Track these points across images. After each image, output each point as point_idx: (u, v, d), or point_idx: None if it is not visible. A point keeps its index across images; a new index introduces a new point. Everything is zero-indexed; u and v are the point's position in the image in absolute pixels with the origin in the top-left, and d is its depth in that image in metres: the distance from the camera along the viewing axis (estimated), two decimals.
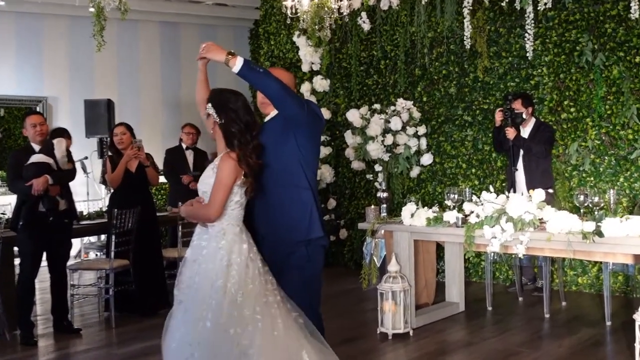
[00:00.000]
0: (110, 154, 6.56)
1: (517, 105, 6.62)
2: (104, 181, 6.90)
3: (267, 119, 3.61)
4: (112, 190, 6.66)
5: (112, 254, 6.12)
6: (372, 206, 6.36)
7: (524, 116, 6.61)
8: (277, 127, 3.46)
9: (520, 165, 6.64)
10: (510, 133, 6.56)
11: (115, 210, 6.19)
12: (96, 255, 8.58)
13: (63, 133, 6.49)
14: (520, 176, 6.64)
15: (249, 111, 3.34)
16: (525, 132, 6.67)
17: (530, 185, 6.31)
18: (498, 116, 6.73)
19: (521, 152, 6.62)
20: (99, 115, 9.26)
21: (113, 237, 6.12)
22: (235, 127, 3.29)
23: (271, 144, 3.44)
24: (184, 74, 11.18)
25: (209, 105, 3.33)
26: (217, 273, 3.16)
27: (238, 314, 3.10)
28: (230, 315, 3.09)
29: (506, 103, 6.61)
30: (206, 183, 3.31)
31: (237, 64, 3.26)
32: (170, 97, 11.05)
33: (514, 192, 6.53)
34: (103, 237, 8.63)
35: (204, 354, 3.04)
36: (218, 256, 3.21)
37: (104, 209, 7.43)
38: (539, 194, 4.82)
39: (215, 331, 3.06)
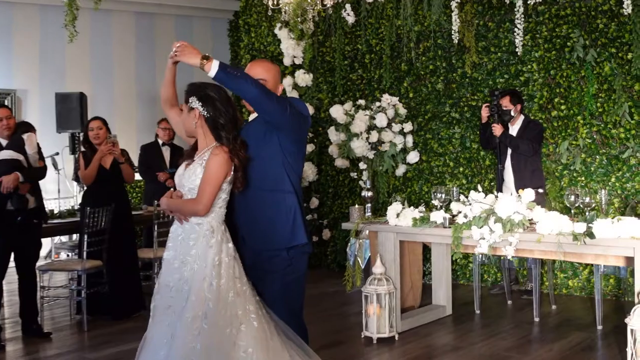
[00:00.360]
0: (83, 149, 6.51)
1: (505, 102, 6.65)
2: (76, 178, 6.85)
3: (250, 117, 3.59)
4: (85, 188, 6.61)
5: (85, 254, 6.07)
6: (357, 206, 6.37)
7: (512, 113, 6.65)
8: (259, 129, 3.43)
9: (508, 163, 6.67)
10: (497, 130, 6.59)
11: (88, 208, 6.14)
12: (67, 255, 8.51)
13: (28, 128, 6.44)
14: (508, 175, 6.68)
15: (232, 104, 3.35)
16: (514, 129, 6.70)
17: (520, 185, 6.35)
18: (484, 112, 6.76)
19: (509, 150, 6.66)
20: (71, 109, 9.21)
21: (85, 236, 6.07)
22: (223, 120, 3.30)
23: (253, 145, 3.43)
24: (160, 67, 11.14)
25: (193, 98, 3.32)
26: (210, 273, 3.15)
27: (232, 313, 3.12)
28: (225, 315, 3.10)
29: (493, 98, 6.64)
30: (192, 179, 3.29)
31: (213, 68, 3.19)
32: (146, 90, 11.00)
33: (502, 191, 6.58)
34: (75, 236, 8.58)
35: (203, 356, 3.03)
36: (210, 255, 3.20)
37: (76, 207, 7.38)
38: (529, 193, 4.84)
39: (214, 333, 3.06)
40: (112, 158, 6.45)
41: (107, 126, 6.51)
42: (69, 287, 6.74)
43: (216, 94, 3.32)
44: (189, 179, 3.31)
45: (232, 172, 3.30)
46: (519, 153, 6.57)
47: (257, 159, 3.41)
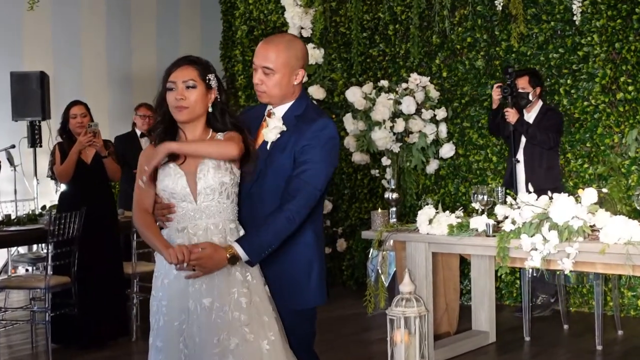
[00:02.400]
0: (60, 140, 6.58)
1: (523, 83, 6.71)
2: (52, 175, 6.92)
3: (270, 126, 3.59)
4: (61, 187, 6.68)
5: (49, 268, 6.14)
6: (379, 210, 6.41)
7: (530, 97, 6.70)
8: (283, 145, 3.46)
9: (520, 156, 6.74)
10: (511, 115, 6.65)
11: (51, 212, 6.21)
12: (27, 270, 8.59)
13: None
14: (519, 172, 6.74)
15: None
16: (530, 117, 6.77)
17: (532, 183, 6.36)
18: (495, 93, 6.81)
19: (522, 141, 6.71)
20: (30, 92, 9.26)
21: (50, 246, 6.14)
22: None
23: (274, 160, 3.46)
24: (136, 41, 11.20)
25: (212, 76, 3.36)
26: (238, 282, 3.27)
27: (259, 323, 3.26)
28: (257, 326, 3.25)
29: (506, 77, 6.70)
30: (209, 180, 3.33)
31: (244, 258, 3.27)
32: (120, 69, 11.06)
33: (515, 189, 6.64)
34: (35, 247, 8.65)
35: None
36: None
37: (38, 211, 7.44)
38: (590, 194, 4.87)
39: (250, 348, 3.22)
40: (93, 151, 6.53)
41: (90, 112, 6.59)
42: (30, 309, 6.81)
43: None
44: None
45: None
46: (535, 144, 6.62)
47: (273, 174, 3.45)
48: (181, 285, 3.24)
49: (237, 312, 3.21)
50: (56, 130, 6.84)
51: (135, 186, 3.35)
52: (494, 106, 6.91)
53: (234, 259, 3.21)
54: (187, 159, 3.30)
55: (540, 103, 6.86)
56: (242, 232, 3.35)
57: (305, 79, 3.67)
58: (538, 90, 6.81)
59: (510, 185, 6.77)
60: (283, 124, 3.43)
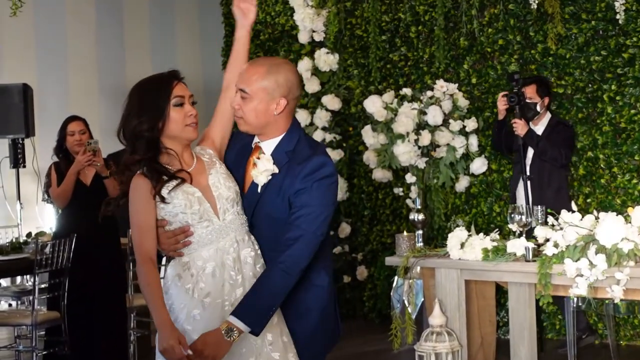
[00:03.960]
0: (56, 159, 6.63)
1: (530, 92, 6.74)
2: (48, 197, 6.97)
3: (259, 148, 3.62)
4: (59, 211, 6.71)
5: (36, 302, 6.16)
6: (405, 233, 6.42)
7: (537, 108, 6.72)
8: (276, 188, 3.53)
9: (528, 172, 6.74)
10: (520, 127, 6.66)
11: (37, 240, 6.25)
12: (10, 305, 8.62)
13: None
14: (524, 190, 6.71)
15: None
16: (538, 130, 6.79)
17: (541, 204, 6.35)
18: (501, 103, 6.82)
19: (528, 156, 6.71)
20: (11, 106, 9.28)
21: (37, 278, 6.17)
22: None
23: (266, 204, 3.55)
24: (129, 49, 11.25)
25: None
26: None
27: None
28: None
29: (513, 85, 6.71)
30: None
31: (246, 330, 3.32)
32: (111, 80, 11.09)
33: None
34: (19, 279, 8.67)
35: None
36: None
37: (23, 239, 7.48)
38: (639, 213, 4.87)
39: None
40: (93, 171, 6.57)
41: (89, 129, 6.64)
42: (15, 348, 6.83)
43: None
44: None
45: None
46: (545, 161, 6.62)
47: (272, 208, 3.56)
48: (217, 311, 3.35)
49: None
50: (42, 148, 6.89)
51: (132, 229, 3.39)
52: (500, 117, 6.91)
53: (229, 332, 3.25)
54: (193, 174, 3.40)
55: (548, 115, 6.87)
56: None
57: (296, 110, 3.69)
58: (546, 100, 6.83)
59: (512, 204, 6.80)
60: (274, 163, 3.49)
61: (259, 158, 3.52)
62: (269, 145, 3.54)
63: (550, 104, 6.93)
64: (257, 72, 3.48)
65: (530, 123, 6.79)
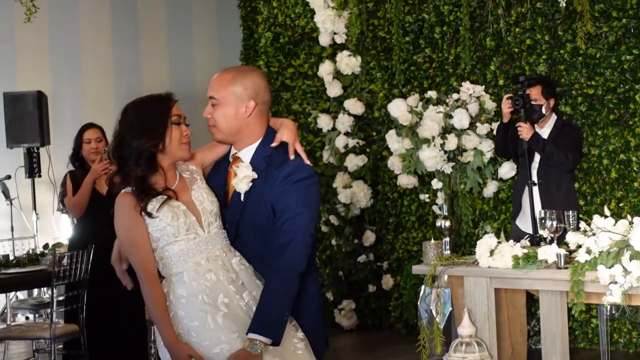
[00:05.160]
0: (72, 168, 6.67)
1: (535, 94, 6.71)
2: (63, 207, 7.01)
3: (238, 159, 3.74)
4: (74, 221, 6.74)
5: (54, 315, 6.20)
6: (432, 241, 6.42)
7: (542, 111, 6.70)
8: (258, 195, 3.65)
9: (534, 178, 6.72)
10: (525, 130, 6.63)
11: (55, 251, 6.29)
12: (27, 318, 8.67)
13: None
14: (535, 194, 6.68)
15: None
16: (543, 133, 6.76)
17: (551, 208, 6.32)
18: (506, 106, 6.80)
19: (535, 160, 6.69)
20: (26, 115, 9.34)
21: (55, 290, 6.21)
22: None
23: (250, 212, 3.67)
24: (144, 53, 11.29)
25: None
26: None
27: None
28: None
29: (517, 87, 6.70)
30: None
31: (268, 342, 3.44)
32: (128, 85, 11.12)
33: (532, 217, 6.58)
34: (35, 292, 8.73)
35: None
36: None
37: (40, 250, 7.52)
38: None
39: None
40: None
41: (106, 137, 6.68)
42: None
43: None
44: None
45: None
46: (552, 165, 6.61)
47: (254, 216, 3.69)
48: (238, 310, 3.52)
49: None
50: (58, 157, 6.93)
51: (126, 248, 3.60)
52: (505, 120, 6.88)
53: (253, 346, 3.38)
54: (177, 191, 3.58)
55: (554, 117, 6.85)
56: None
57: (272, 113, 3.78)
58: (552, 102, 6.81)
59: (518, 214, 6.80)
60: (253, 170, 3.62)
61: (237, 167, 3.65)
62: (246, 154, 3.69)
63: (556, 105, 6.91)
64: (225, 79, 3.66)
65: (536, 126, 6.78)
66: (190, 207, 3.55)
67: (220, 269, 3.52)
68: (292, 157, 3.61)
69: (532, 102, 6.67)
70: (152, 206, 3.48)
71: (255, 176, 3.60)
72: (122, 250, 3.67)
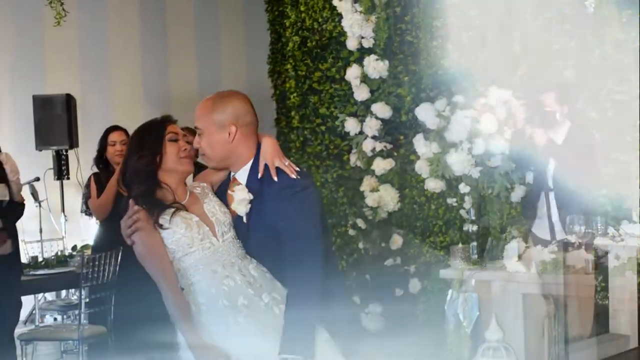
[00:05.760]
0: (96, 170, 6.70)
1: (549, 102, 6.68)
2: (87, 210, 7.05)
3: (234, 179, 3.82)
4: (98, 223, 6.76)
5: (83, 316, 6.24)
6: (460, 245, 6.43)
7: (557, 117, 6.67)
8: (259, 214, 3.71)
9: (550, 184, 6.70)
10: (539, 136, 6.60)
11: (83, 253, 6.33)
12: (55, 319, 8.71)
13: None
14: (551, 199, 6.66)
15: None
16: (558, 140, 6.72)
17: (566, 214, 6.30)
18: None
19: (550, 169, 6.67)
20: (55, 118, 9.41)
21: (83, 292, 6.24)
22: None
23: (255, 232, 3.73)
24: (172, 57, 11.34)
25: None
26: None
27: None
28: None
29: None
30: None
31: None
32: (155, 89, 11.18)
33: (549, 222, 6.55)
34: (64, 293, 8.79)
35: None
36: None
37: (68, 252, 7.57)
38: None
39: None
40: None
41: None
42: None
43: None
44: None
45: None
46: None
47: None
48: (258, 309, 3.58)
49: None
50: (86, 159, 6.96)
51: (146, 260, 3.66)
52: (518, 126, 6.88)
53: None
54: (188, 205, 3.67)
55: (568, 124, 6.83)
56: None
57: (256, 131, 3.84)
58: (566, 109, 6.80)
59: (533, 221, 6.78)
60: (249, 192, 3.70)
61: (233, 190, 3.73)
62: (242, 174, 3.77)
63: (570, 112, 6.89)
64: (205, 107, 3.76)
65: (550, 132, 6.77)
66: (203, 219, 3.64)
67: (237, 273, 3.57)
68: (275, 179, 3.64)
69: (547, 109, 6.67)
70: (164, 219, 3.58)
71: (251, 197, 3.68)
72: (142, 263, 3.71)
